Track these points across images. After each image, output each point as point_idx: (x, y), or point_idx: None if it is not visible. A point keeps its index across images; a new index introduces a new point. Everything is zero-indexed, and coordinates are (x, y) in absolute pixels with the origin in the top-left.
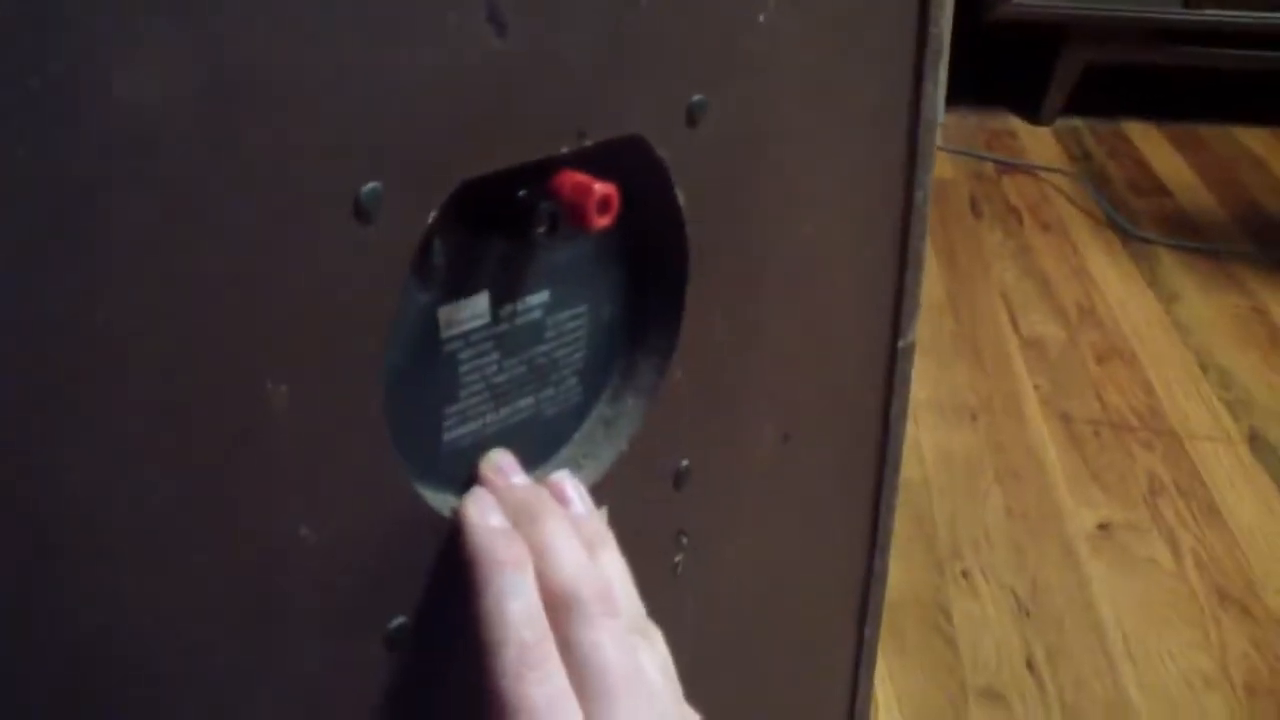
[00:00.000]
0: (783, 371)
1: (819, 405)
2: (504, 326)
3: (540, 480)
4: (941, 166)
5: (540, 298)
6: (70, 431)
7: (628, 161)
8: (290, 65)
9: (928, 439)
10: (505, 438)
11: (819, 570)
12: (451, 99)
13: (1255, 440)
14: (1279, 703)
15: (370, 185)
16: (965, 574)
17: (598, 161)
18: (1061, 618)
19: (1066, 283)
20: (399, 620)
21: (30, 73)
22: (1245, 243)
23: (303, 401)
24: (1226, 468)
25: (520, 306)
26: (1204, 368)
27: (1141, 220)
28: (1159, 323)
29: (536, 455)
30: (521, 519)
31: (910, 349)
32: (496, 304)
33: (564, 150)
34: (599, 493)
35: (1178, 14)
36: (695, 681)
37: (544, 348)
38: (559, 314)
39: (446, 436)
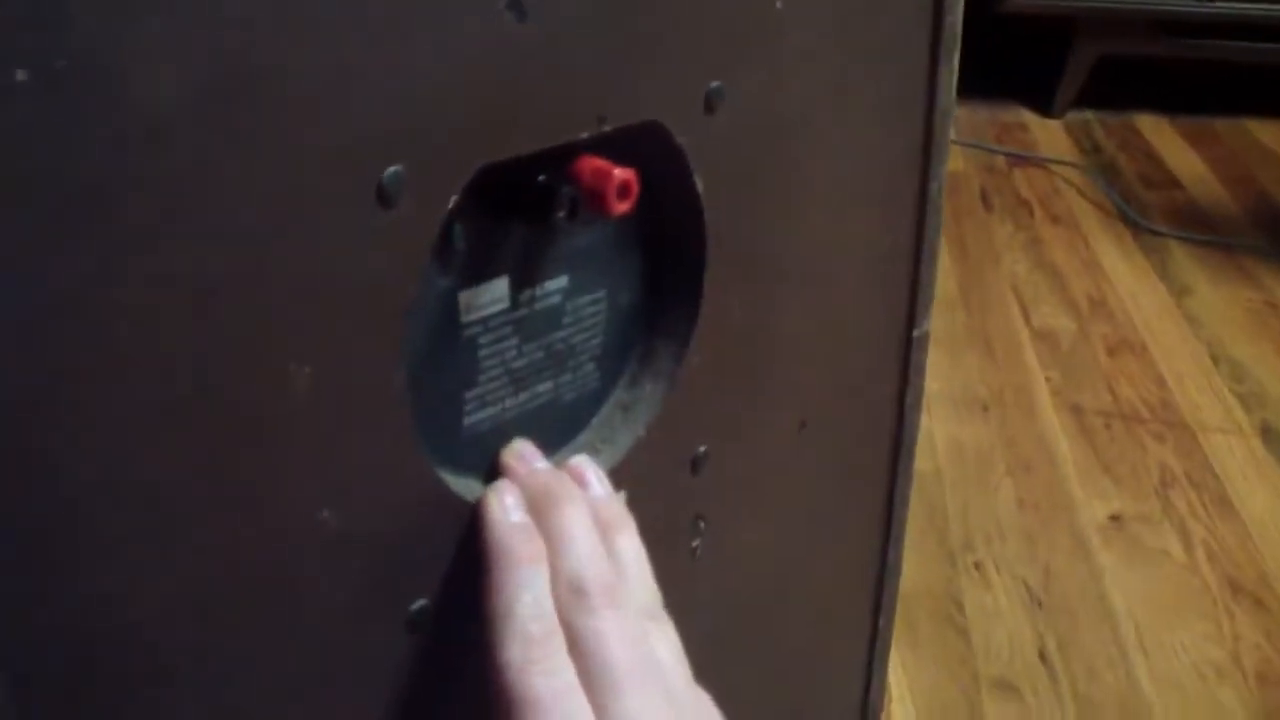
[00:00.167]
0: (799, 358)
1: (834, 393)
2: (523, 311)
3: (559, 465)
4: (952, 159)
5: (559, 283)
6: (94, 413)
7: (646, 148)
8: (313, 51)
9: (939, 431)
10: (524, 423)
11: (833, 558)
12: (472, 84)
13: (1267, 433)
14: None
15: (392, 169)
16: (977, 565)
17: (617, 148)
18: (1074, 609)
19: (1077, 275)
20: (420, 603)
21: (59, 55)
22: (1257, 236)
23: (325, 385)
24: (1239, 460)
25: (539, 292)
26: (1216, 360)
27: (1153, 213)
28: (1170, 315)
29: (554, 440)
30: (541, 505)
31: (925, 338)
32: (516, 289)
33: (584, 136)
34: (617, 478)
35: (1190, 6)
36: (709, 667)
37: (562, 333)
38: (578, 299)
39: (466, 421)
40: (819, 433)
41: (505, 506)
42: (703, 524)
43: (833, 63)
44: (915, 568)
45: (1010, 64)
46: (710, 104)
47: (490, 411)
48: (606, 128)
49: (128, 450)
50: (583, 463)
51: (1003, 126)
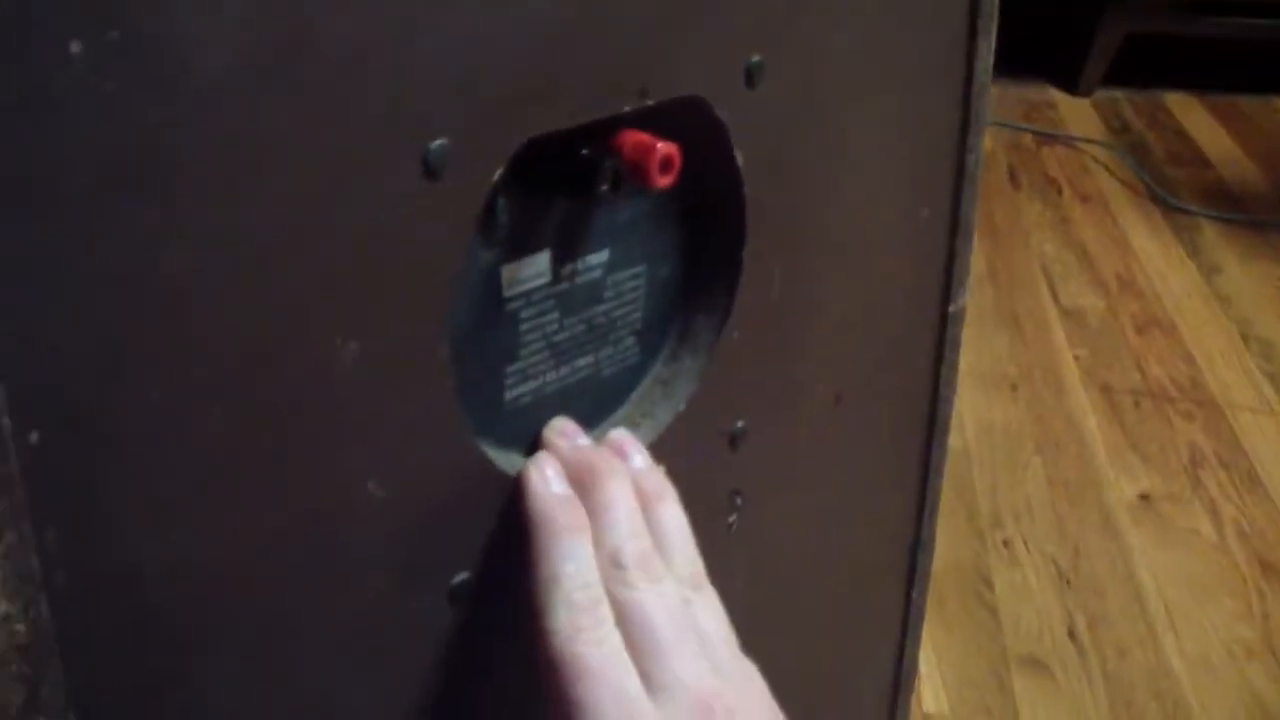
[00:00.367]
0: (836, 332)
1: (871, 368)
2: (564, 285)
3: (599, 440)
4: None
5: (600, 257)
6: (142, 382)
7: (688, 121)
8: (360, 24)
9: (968, 409)
10: (564, 396)
11: (868, 533)
12: (517, 58)
13: None
14: None
15: (438, 142)
16: (1006, 543)
17: (658, 122)
18: (1103, 587)
19: (1106, 254)
20: (462, 575)
21: (112, 25)
22: None
23: (370, 357)
24: (1268, 439)
25: (580, 265)
26: (1245, 339)
27: (1181, 191)
28: (1199, 294)
29: (594, 414)
30: (584, 480)
31: (960, 314)
32: (557, 263)
33: (626, 109)
34: (655, 452)
35: None
36: (744, 640)
37: (603, 307)
38: (618, 273)
39: (508, 395)
40: (855, 407)
41: (546, 478)
42: (739, 499)
43: (871, 36)
44: (944, 545)
45: (1038, 42)
46: (751, 78)
47: (531, 385)
48: (649, 101)
49: (182, 419)
50: (623, 436)
51: (1031, 105)
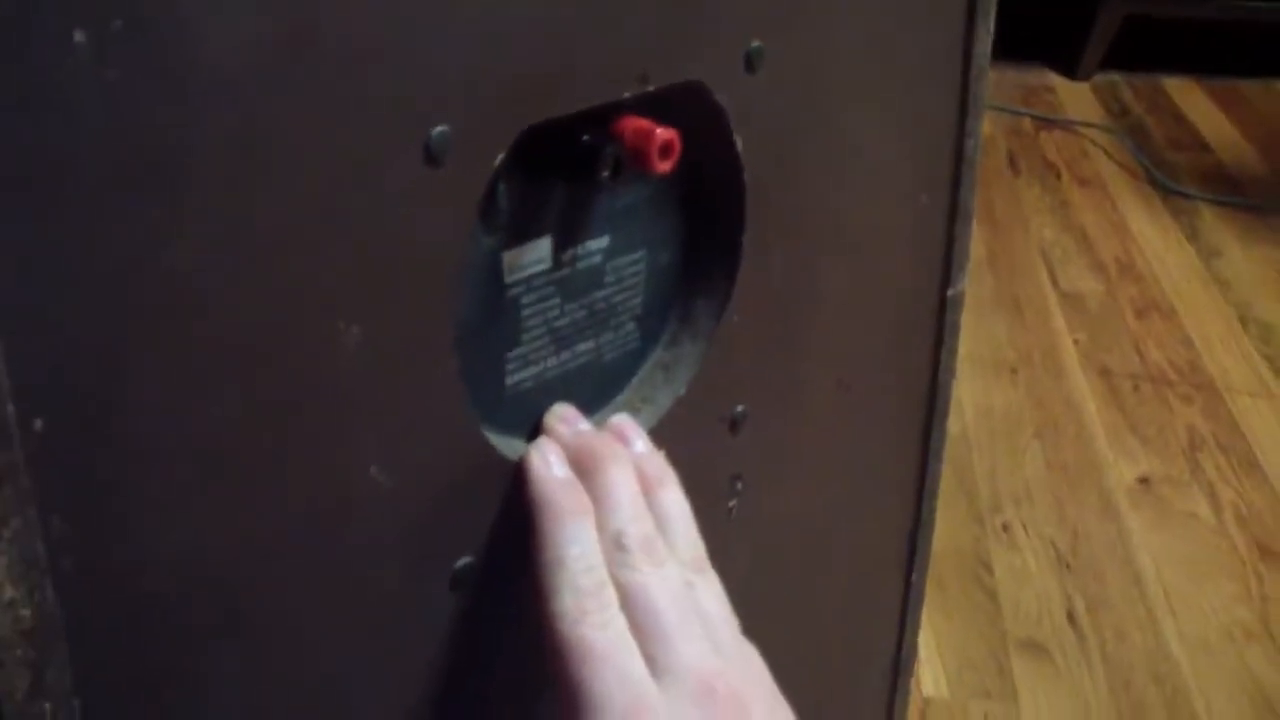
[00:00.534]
0: (837, 317)
1: (870, 352)
2: (565, 271)
3: (600, 425)
4: None
5: (600, 243)
6: (146, 370)
7: (687, 107)
8: (363, 13)
9: (968, 393)
10: (565, 382)
11: (868, 516)
12: (518, 44)
13: None
14: None
15: (439, 129)
16: (1006, 527)
17: (658, 107)
18: (1102, 570)
19: (1105, 238)
20: (464, 561)
21: (115, 14)
22: None
23: (373, 343)
24: (1267, 422)
25: (581, 251)
26: (1244, 322)
27: (1181, 176)
28: (1198, 277)
29: (595, 400)
30: (585, 465)
31: (959, 298)
32: (558, 249)
33: (626, 95)
34: (656, 437)
35: None
36: (745, 624)
37: (603, 293)
38: (618, 259)
39: (509, 380)
40: (855, 392)
41: (549, 462)
42: (740, 484)
43: (871, 21)
44: (944, 529)
45: (1037, 26)
46: (751, 63)
47: (532, 371)
48: (649, 87)
49: (186, 406)
50: (624, 421)
51: (1029, 89)
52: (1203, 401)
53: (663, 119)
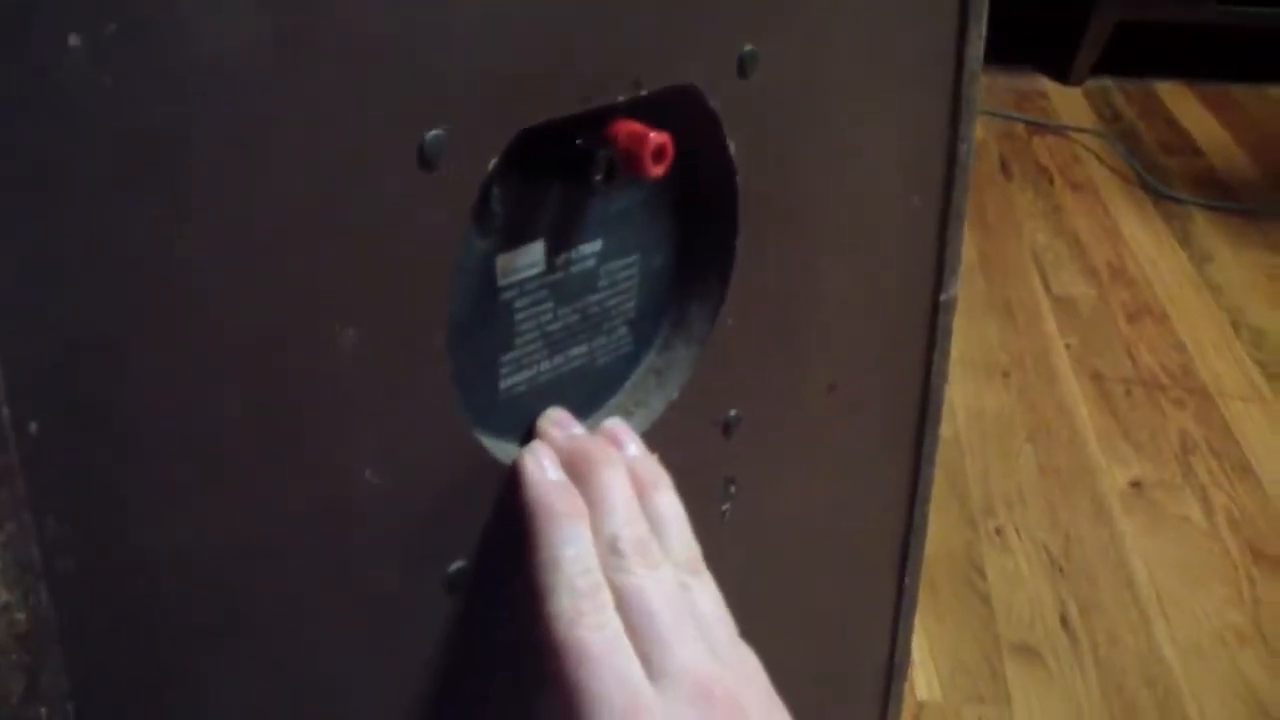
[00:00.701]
0: (829, 321)
1: (863, 356)
2: (558, 275)
3: (593, 429)
4: None
5: (594, 246)
6: (140, 372)
7: (681, 111)
8: (357, 15)
9: (960, 397)
10: (558, 386)
11: (861, 520)
12: (512, 48)
13: None
14: None
15: (434, 133)
16: (998, 531)
17: (652, 111)
18: (1095, 574)
19: (1098, 242)
20: (458, 564)
21: (110, 17)
22: (1278, 202)
23: (368, 346)
24: (1259, 426)
25: (574, 255)
26: (1236, 327)
27: (1173, 180)
28: (1190, 282)
29: (588, 404)
30: (579, 468)
31: (952, 302)
32: (552, 252)
33: (620, 99)
34: (649, 440)
35: None
36: (738, 627)
37: (597, 296)
38: (612, 263)
39: (502, 384)
40: (848, 395)
41: (542, 466)
42: (733, 487)
43: (864, 25)
44: (937, 533)
45: (1029, 31)
46: (744, 67)
47: (525, 375)
48: (642, 91)
49: (180, 408)
50: (617, 425)
51: (1022, 94)
52: (1195, 406)
53: (656, 123)
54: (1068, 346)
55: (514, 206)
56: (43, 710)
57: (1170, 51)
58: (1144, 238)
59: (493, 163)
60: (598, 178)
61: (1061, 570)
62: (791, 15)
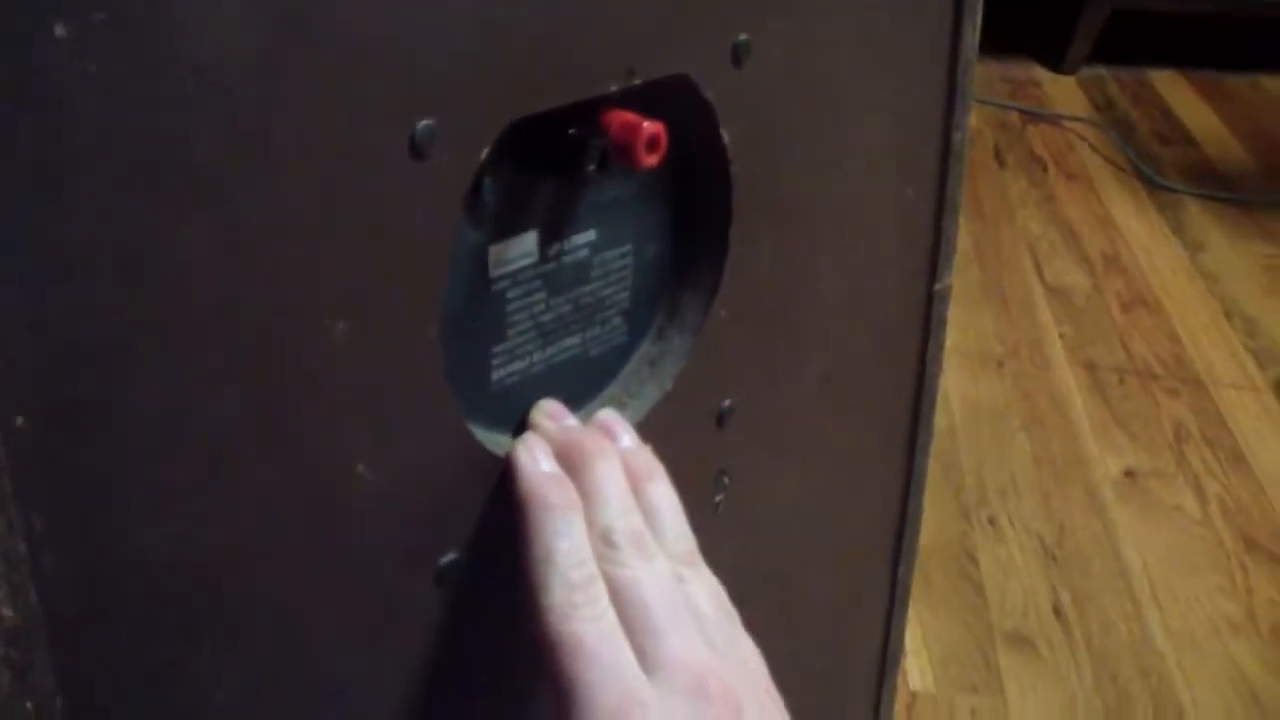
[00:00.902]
0: (823, 312)
1: (857, 346)
2: (551, 265)
3: (587, 420)
4: None
5: (587, 237)
6: (128, 367)
7: (674, 101)
8: (348, 5)
9: (954, 387)
10: (551, 377)
11: (855, 510)
12: (504, 37)
13: None
14: None
15: (425, 123)
16: (992, 520)
17: (645, 101)
18: (1088, 563)
19: (1092, 232)
20: (449, 557)
21: (97, 8)
22: (1272, 191)
23: (359, 338)
24: (1252, 415)
25: (567, 245)
26: (1230, 316)
27: (1167, 169)
28: (1184, 271)
29: (582, 394)
30: (573, 460)
31: (946, 292)
32: (544, 243)
33: (613, 89)
34: (643, 431)
35: None
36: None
37: (590, 287)
38: (605, 253)
39: (495, 375)
40: (841, 386)
41: (535, 457)
42: (726, 478)
43: (858, 15)
44: (930, 523)
45: (1024, 20)
46: (738, 57)
47: (518, 366)
48: (636, 80)
49: (169, 402)
50: (611, 416)
51: (1016, 83)
52: (1188, 395)
53: (649, 113)
54: (1062, 336)
55: (506, 196)
56: (29, 705)
57: (1165, 40)
58: (1138, 227)
59: (485, 153)
60: (591, 167)
61: (1055, 559)
62: (786, 4)
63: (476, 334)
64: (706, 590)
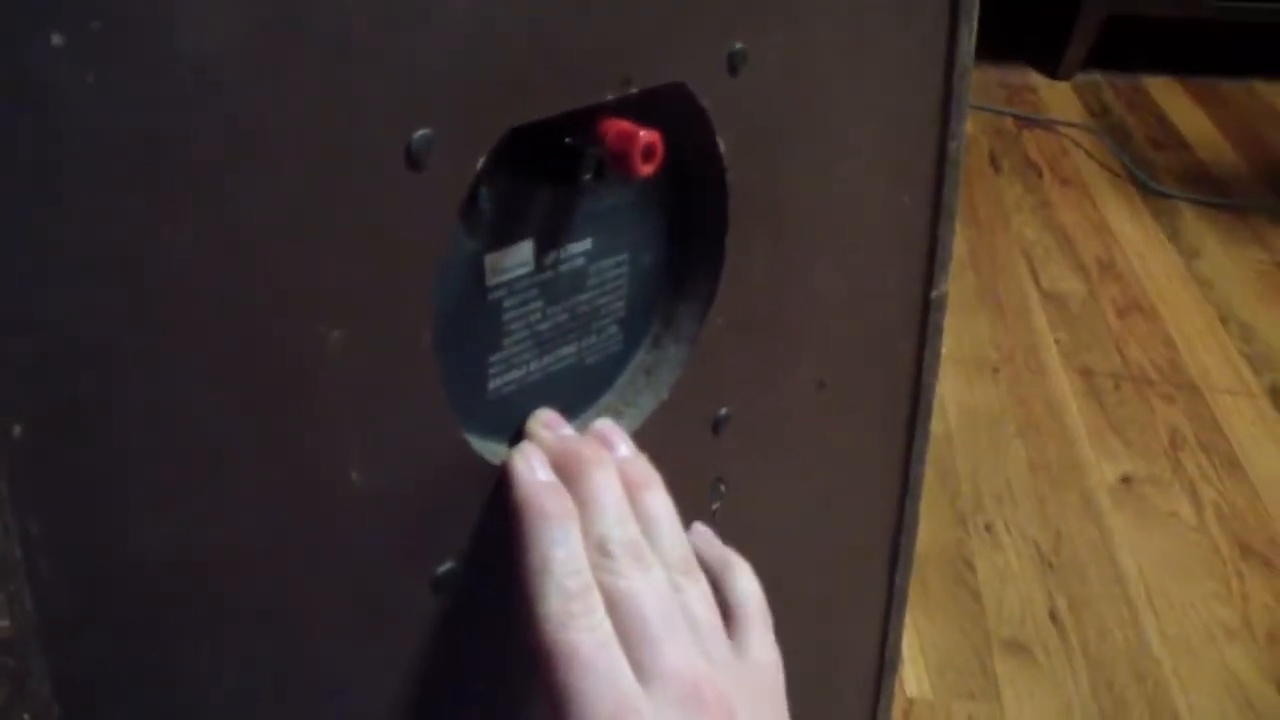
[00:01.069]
0: (820, 319)
1: (854, 353)
2: (547, 274)
3: (583, 429)
4: None
5: (583, 245)
6: (123, 374)
7: (670, 109)
8: (344, 14)
9: (950, 393)
10: (547, 386)
11: (851, 518)
12: (500, 46)
13: (1276, 394)
14: None
15: (421, 133)
16: (988, 527)
17: (641, 110)
18: (1084, 570)
19: (1087, 237)
20: (446, 565)
21: (93, 16)
22: (1267, 197)
23: (355, 346)
24: (1248, 421)
25: (563, 254)
26: (1225, 322)
27: (1162, 175)
28: (1179, 277)
29: (578, 403)
30: (569, 470)
31: (942, 299)
32: (540, 252)
33: (609, 97)
34: (639, 440)
35: None
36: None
37: (586, 295)
38: (601, 262)
39: (491, 384)
40: (838, 393)
41: (532, 466)
42: (723, 486)
43: (853, 22)
44: (927, 529)
45: (1019, 26)
46: (733, 65)
47: (514, 374)
48: (631, 89)
49: (164, 410)
50: (607, 425)
51: (1011, 89)
52: (1184, 401)
53: (645, 121)
54: (1057, 342)
55: (502, 205)
56: (26, 716)
57: (1159, 46)
58: (1133, 233)
59: (481, 162)
60: (587, 176)
61: (1051, 566)
62: (781, 13)
63: (473, 343)
64: (703, 600)
